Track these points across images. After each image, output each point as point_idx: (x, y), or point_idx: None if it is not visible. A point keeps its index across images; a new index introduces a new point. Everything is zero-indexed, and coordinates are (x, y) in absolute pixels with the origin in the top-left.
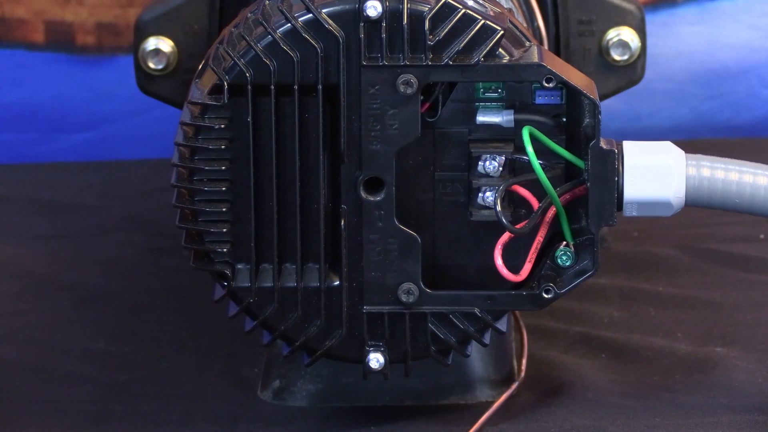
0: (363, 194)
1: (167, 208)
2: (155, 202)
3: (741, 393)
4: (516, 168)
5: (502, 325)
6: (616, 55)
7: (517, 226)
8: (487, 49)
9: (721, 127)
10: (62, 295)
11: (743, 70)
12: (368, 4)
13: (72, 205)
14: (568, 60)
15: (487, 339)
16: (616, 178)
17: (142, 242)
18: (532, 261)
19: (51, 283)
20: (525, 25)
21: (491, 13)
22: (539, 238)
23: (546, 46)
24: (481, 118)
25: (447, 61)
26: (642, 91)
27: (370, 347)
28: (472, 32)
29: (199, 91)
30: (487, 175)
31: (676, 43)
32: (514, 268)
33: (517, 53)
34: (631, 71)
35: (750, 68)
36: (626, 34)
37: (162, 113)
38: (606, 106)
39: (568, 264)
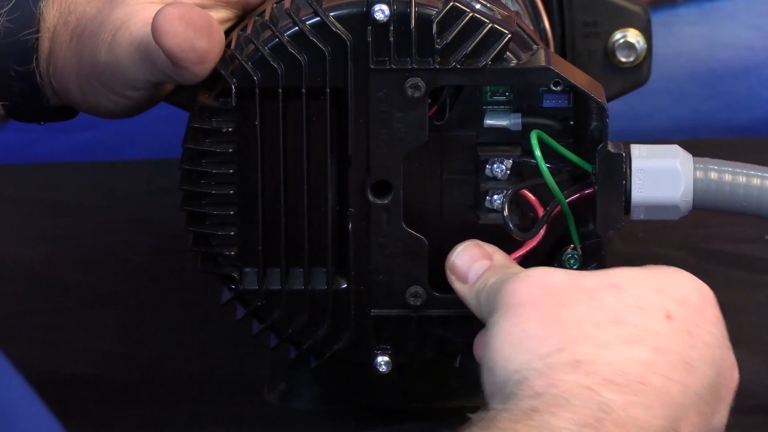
0: (371, 197)
1: (171, 209)
2: (159, 202)
3: (746, 394)
4: (523, 171)
5: None
6: (622, 57)
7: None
8: (495, 52)
9: (721, 127)
10: (67, 296)
11: (743, 70)
12: (376, 7)
13: (76, 205)
14: (573, 62)
15: None
16: (624, 182)
17: (147, 243)
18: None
19: (55, 284)
20: (532, 27)
21: (499, 17)
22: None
23: (552, 48)
24: (488, 122)
25: (455, 65)
26: (642, 91)
27: (377, 350)
28: (480, 36)
29: (207, 94)
30: (494, 179)
31: (676, 43)
32: None
33: (524, 56)
34: (637, 73)
35: (750, 68)
36: (632, 35)
37: (162, 113)
38: None
39: (575, 267)
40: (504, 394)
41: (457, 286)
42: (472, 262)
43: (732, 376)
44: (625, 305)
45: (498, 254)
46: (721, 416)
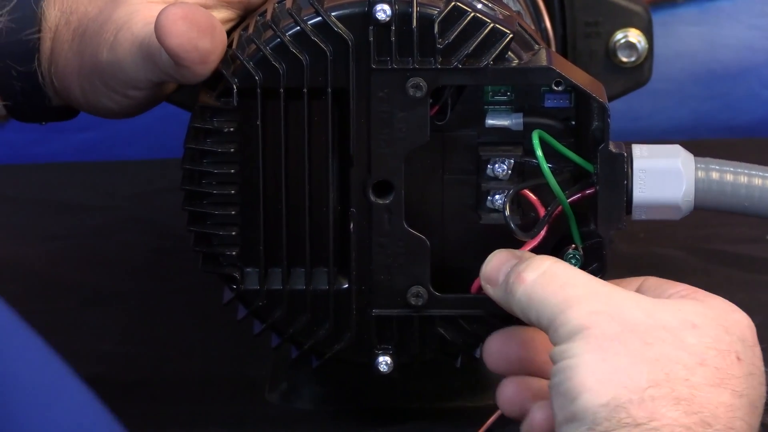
0: (372, 197)
1: (172, 209)
2: (160, 202)
3: None
4: (525, 171)
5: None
6: (623, 57)
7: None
8: (497, 52)
9: (721, 128)
10: (68, 296)
11: (743, 71)
12: (378, 7)
13: (77, 205)
14: (575, 61)
15: None
16: (625, 182)
17: (148, 243)
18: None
19: (57, 284)
20: (533, 27)
21: (500, 16)
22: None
23: (553, 48)
24: (490, 122)
25: (456, 65)
26: (642, 91)
27: (378, 350)
28: (482, 35)
29: (209, 94)
30: (496, 179)
31: (676, 43)
32: None
33: (526, 56)
34: (638, 73)
35: (750, 68)
36: (633, 35)
37: (163, 113)
38: None
39: (576, 267)
40: (586, 422)
41: (490, 291)
42: (500, 264)
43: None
44: (706, 347)
45: (527, 254)
46: None
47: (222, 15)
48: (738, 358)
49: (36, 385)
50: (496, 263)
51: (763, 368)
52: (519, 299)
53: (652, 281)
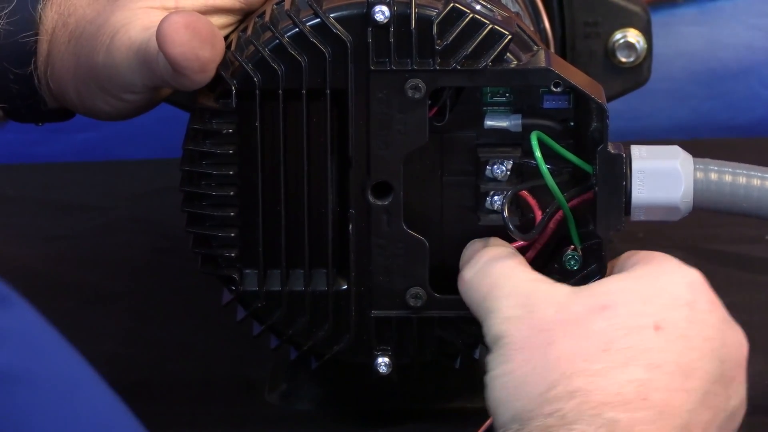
0: (371, 199)
1: (172, 209)
2: (160, 202)
3: (748, 395)
4: (524, 172)
5: None
6: (622, 57)
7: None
8: (495, 53)
9: (722, 127)
10: (67, 296)
11: (743, 70)
12: (376, 8)
13: (76, 205)
14: (574, 62)
15: None
16: (624, 183)
17: (147, 243)
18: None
19: (56, 284)
20: (532, 28)
21: (499, 18)
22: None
23: (552, 49)
24: (488, 123)
25: (455, 66)
26: (642, 91)
27: (378, 351)
28: (480, 37)
29: (208, 96)
30: (494, 180)
31: (676, 43)
32: None
33: (524, 57)
34: (638, 73)
35: (750, 68)
36: (632, 35)
37: (163, 113)
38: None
39: (575, 268)
40: None
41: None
42: (470, 257)
43: (739, 352)
44: (613, 328)
45: (493, 241)
46: (738, 394)
47: (221, 21)
48: (657, 328)
49: (61, 382)
50: (469, 256)
51: (708, 321)
52: (466, 302)
53: (623, 255)
